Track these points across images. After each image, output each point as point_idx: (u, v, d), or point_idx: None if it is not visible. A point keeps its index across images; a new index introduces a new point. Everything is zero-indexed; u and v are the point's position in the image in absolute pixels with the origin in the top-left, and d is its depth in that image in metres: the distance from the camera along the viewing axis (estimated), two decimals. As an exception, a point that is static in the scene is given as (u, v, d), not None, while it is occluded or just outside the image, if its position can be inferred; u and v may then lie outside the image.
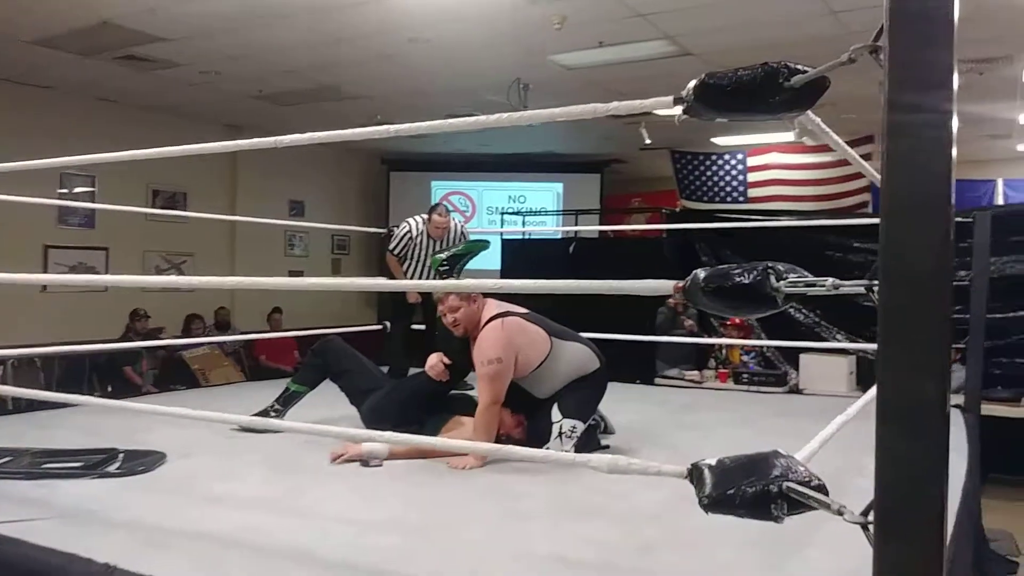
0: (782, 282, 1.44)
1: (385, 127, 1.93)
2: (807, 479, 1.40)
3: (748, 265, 1.48)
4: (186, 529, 2.30)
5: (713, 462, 1.48)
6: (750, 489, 1.40)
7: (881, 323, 1.10)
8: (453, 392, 3.79)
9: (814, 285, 1.38)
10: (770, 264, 1.47)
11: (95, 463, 3.04)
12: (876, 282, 1.29)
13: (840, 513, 1.27)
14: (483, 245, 4.13)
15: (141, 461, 3.10)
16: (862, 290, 1.30)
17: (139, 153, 2.51)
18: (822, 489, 1.39)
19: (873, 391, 2.50)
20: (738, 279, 1.47)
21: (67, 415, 3.94)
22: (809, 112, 1.71)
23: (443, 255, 3.98)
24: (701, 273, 1.52)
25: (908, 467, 1.08)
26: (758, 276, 1.46)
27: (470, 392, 3.90)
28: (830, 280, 1.31)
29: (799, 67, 1.42)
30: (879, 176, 1.10)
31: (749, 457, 1.47)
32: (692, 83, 1.51)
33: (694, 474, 1.49)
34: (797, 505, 1.38)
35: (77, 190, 8.20)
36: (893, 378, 1.08)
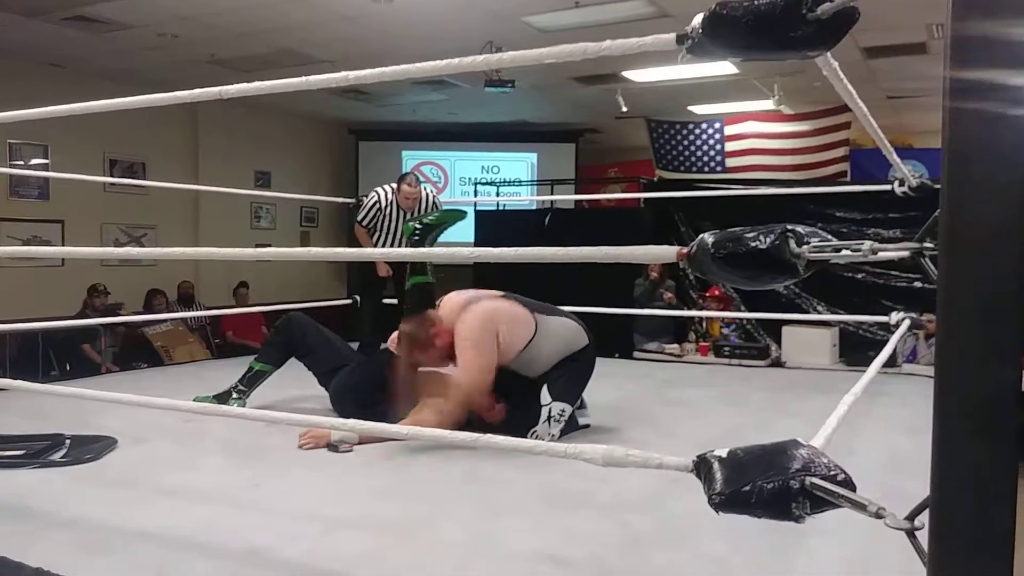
0: (804, 247, 1.25)
1: (344, 74, 1.70)
2: (832, 472, 1.22)
3: (764, 228, 1.28)
4: (132, 528, 2.09)
5: (724, 454, 1.29)
6: (768, 485, 1.21)
7: (942, 296, 0.91)
8: (423, 371, 3.59)
9: (844, 250, 1.19)
10: (789, 227, 1.28)
11: (38, 451, 2.82)
12: (928, 246, 1.11)
13: (879, 516, 1.09)
14: (459, 215, 3.90)
15: (89, 448, 2.88)
16: (905, 256, 1.11)
17: (82, 106, 2.25)
18: (848, 484, 1.22)
19: (876, 366, 2.36)
20: (753, 244, 1.27)
21: (14, 397, 3.69)
22: (828, 55, 1.52)
23: (415, 223, 3.75)
24: (709, 238, 1.32)
25: (974, 468, 0.89)
26: (776, 240, 1.26)
27: (443, 370, 3.70)
28: (867, 244, 1.12)
29: (825, -6, 1.22)
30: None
31: (764, 448, 1.29)
32: (699, 17, 1.30)
33: (701, 468, 1.30)
34: (821, 503, 1.20)
35: (31, 162, 7.81)
36: (958, 361, 0.89)
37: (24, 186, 7.82)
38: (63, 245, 7.86)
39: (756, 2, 1.24)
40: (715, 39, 1.29)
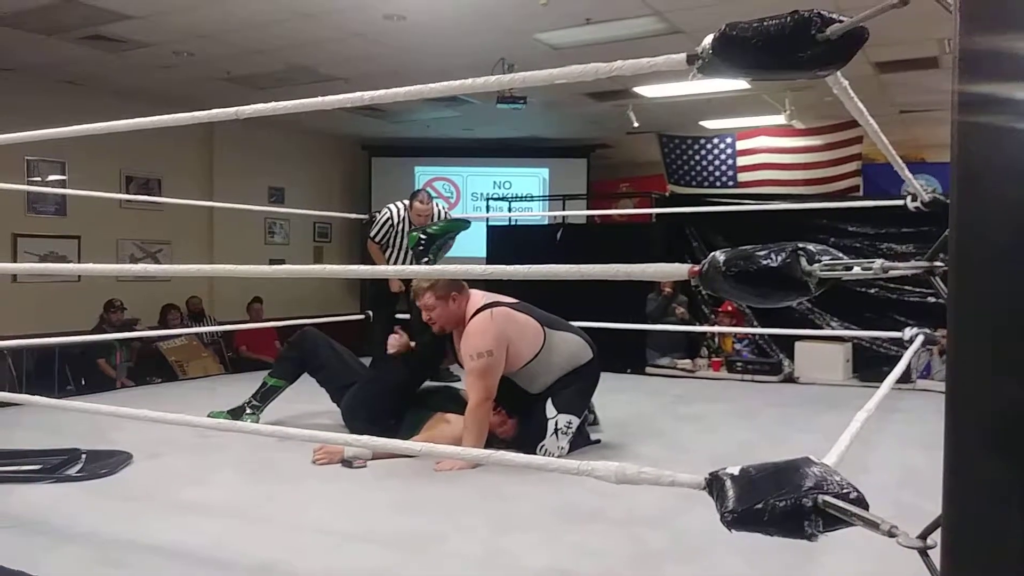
0: (815, 265, 1.25)
1: (360, 94, 1.72)
2: (844, 490, 1.22)
3: (775, 246, 1.29)
4: (146, 542, 2.10)
5: (736, 471, 1.30)
6: (780, 503, 1.21)
7: (953, 313, 0.91)
8: (434, 386, 3.60)
9: (855, 267, 1.20)
10: (800, 245, 1.29)
11: (54, 465, 2.84)
12: (939, 263, 1.11)
13: (892, 535, 1.09)
14: (463, 225, 3.93)
15: (104, 463, 2.90)
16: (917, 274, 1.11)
17: (101, 126, 2.29)
18: (861, 502, 1.22)
19: (890, 382, 2.35)
20: (764, 262, 1.28)
21: (31, 412, 3.72)
22: (838, 74, 1.53)
23: (419, 233, 3.77)
24: (720, 256, 1.33)
25: (986, 485, 0.89)
26: (787, 258, 1.27)
27: (455, 385, 3.71)
28: (879, 262, 1.12)
29: (834, 16, 1.23)
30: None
31: (776, 465, 1.29)
32: (709, 37, 1.31)
33: (714, 485, 1.30)
34: (834, 521, 1.20)
35: (48, 178, 7.90)
36: (971, 378, 0.89)
37: (41, 202, 7.90)
38: (79, 260, 7.92)
39: (765, 23, 1.25)
40: (725, 59, 1.30)
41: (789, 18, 1.24)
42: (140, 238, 8.74)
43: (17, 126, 2.52)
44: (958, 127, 0.91)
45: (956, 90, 0.93)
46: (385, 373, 3.51)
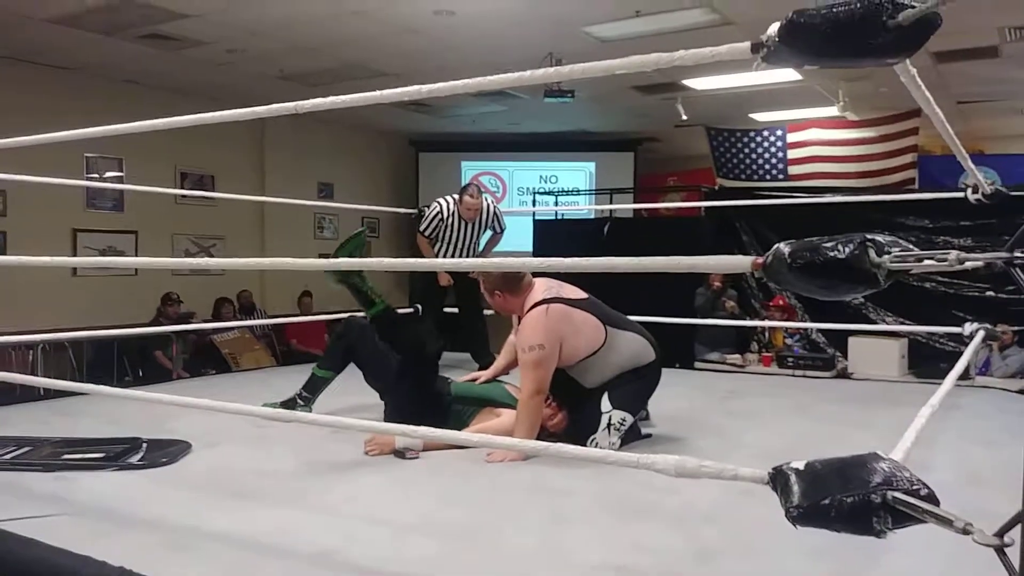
0: (885, 256, 1.23)
1: (416, 88, 1.73)
2: (915, 487, 1.20)
3: (843, 237, 1.26)
4: (207, 529, 2.15)
5: (801, 466, 1.28)
6: (848, 499, 1.19)
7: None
8: (484, 382, 3.59)
9: (927, 259, 1.16)
10: (869, 236, 1.26)
11: (116, 454, 2.91)
12: (1020, 254, 1.08)
13: (967, 532, 1.06)
14: (360, 234, 3.79)
15: (165, 452, 2.97)
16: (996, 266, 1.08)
17: (160, 122, 2.34)
18: (932, 499, 1.19)
19: (952, 378, 2.29)
20: (831, 253, 1.26)
21: (93, 401, 3.83)
22: (908, 62, 1.49)
23: (331, 281, 3.61)
24: (785, 247, 1.31)
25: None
26: (855, 250, 1.25)
27: (503, 379, 3.70)
28: (953, 254, 1.09)
29: (905, 1, 1.20)
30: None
31: (843, 460, 1.26)
32: (775, 25, 1.29)
33: (778, 480, 1.28)
34: (904, 518, 1.18)
35: (106, 175, 8.11)
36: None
37: (100, 198, 8.11)
38: (136, 255, 8.12)
39: (835, 9, 1.23)
40: (792, 47, 1.28)
41: (859, 4, 1.21)
42: (194, 233, 8.93)
43: (77, 124, 2.57)
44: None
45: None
46: (396, 385, 3.45)
